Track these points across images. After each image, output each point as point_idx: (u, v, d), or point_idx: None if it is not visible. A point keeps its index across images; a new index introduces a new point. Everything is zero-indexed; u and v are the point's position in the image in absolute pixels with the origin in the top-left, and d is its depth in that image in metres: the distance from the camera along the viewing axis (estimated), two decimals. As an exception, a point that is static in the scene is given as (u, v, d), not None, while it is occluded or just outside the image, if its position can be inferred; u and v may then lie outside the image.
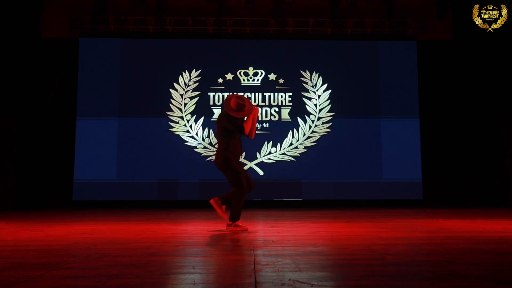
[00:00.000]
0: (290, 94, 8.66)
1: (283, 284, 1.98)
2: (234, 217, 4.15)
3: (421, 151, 8.56)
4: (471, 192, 8.50)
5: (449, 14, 8.45)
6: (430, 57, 8.81)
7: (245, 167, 8.29)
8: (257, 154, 8.41)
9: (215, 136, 4.02)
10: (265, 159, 8.42)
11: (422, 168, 8.51)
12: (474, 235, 3.73)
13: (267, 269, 2.30)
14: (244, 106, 4.07)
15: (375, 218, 5.56)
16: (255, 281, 2.00)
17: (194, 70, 8.64)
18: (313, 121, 8.63)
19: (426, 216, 6.04)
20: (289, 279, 2.08)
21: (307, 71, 8.73)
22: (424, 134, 8.62)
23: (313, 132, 8.61)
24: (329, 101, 8.69)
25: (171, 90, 8.57)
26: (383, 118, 8.64)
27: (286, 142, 8.52)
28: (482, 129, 8.60)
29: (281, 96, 8.64)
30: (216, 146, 4.42)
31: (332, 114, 8.65)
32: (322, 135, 8.61)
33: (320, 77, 8.73)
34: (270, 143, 8.47)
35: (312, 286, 1.93)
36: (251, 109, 4.14)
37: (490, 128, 8.59)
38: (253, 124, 4.23)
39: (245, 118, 4.16)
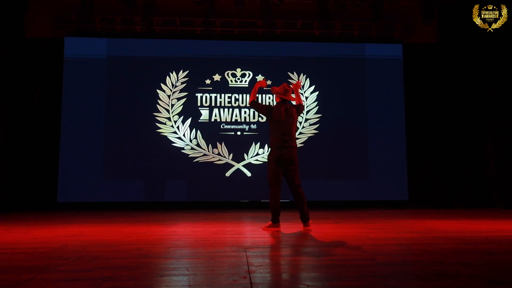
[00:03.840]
0: (278, 95, 8.66)
1: (278, 285, 1.98)
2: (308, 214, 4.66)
3: (407, 153, 8.66)
4: (455, 193, 8.63)
5: (434, 18, 8.59)
6: (415, 59, 8.93)
7: (233, 169, 8.29)
8: (245, 155, 8.40)
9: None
10: (252, 160, 8.41)
11: (408, 169, 8.62)
12: (461, 235, 3.80)
13: (261, 270, 2.30)
14: (288, 90, 4.52)
15: (363, 219, 5.60)
16: (250, 282, 2.00)
17: (181, 71, 8.59)
18: (300, 123, 8.66)
19: (413, 217, 6.12)
20: (284, 280, 2.09)
21: (294, 73, 8.76)
22: (409, 136, 8.73)
23: (300, 133, 8.64)
24: (316, 102, 8.73)
25: (158, 90, 8.50)
26: (369, 120, 8.72)
27: (274, 143, 8.51)
28: (466, 132, 8.73)
29: (269, 98, 8.65)
30: (287, 141, 4.49)
31: (319, 115, 8.69)
32: (309, 137, 8.65)
33: (308, 79, 8.77)
34: (258, 144, 8.47)
35: (307, 286, 1.93)
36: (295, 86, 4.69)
37: (474, 131, 8.73)
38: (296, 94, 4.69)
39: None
